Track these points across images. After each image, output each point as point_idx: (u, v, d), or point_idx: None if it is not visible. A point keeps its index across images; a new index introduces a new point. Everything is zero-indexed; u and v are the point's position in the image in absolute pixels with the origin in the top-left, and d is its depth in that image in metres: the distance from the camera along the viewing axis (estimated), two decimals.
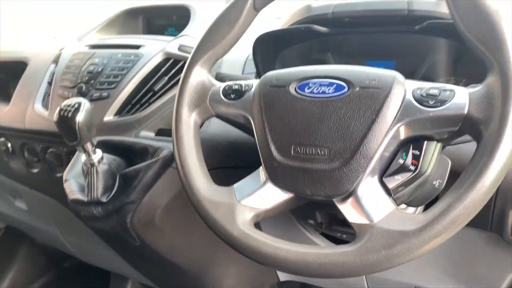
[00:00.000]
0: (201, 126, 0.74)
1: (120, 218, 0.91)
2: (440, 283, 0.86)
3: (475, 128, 0.52)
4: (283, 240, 0.59)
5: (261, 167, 0.65)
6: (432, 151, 0.60)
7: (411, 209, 0.74)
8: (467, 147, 0.69)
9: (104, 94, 1.03)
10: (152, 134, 0.99)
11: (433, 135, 0.58)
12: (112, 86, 1.03)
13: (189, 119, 0.71)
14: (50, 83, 1.18)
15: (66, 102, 0.79)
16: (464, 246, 0.80)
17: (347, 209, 0.58)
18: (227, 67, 1.07)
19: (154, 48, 1.06)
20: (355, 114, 0.58)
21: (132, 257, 1.23)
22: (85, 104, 0.79)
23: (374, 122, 0.56)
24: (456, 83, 0.90)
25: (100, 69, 1.07)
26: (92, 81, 1.06)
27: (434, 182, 0.62)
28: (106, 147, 0.93)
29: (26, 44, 1.51)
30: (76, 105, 0.78)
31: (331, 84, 0.61)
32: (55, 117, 0.79)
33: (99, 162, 0.85)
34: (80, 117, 0.77)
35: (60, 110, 0.78)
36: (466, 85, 0.88)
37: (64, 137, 0.80)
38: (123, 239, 0.99)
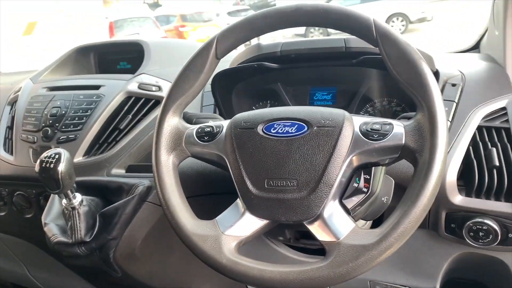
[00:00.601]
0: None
1: (103, 254, 0.97)
2: (391, 276, 1.00)
3: (412, 156, 0.66)
4: (266, 262, 0.70)
5: (238, 199, 0.75)
6: (379, 174, 0.74)
7: (362, 222, 0.87)
8: (403, 163, 0.83)
9: (71, 136, 1.07)
10: (122, 171, 1.06)
11: (379, 161, 0.71)
12: (79, 127, 1.08)
13: (168, 162, 0.79)
14: (10, 127, 1.20)
15: (46, 153, 0.84)
16: (409, 243, 0.95)
17: (316, 230, 0.69)
18: None
19: (114, 88, 1.13)
20: (316, 149, 0.69)
21: None
22: (65, 154, 0.84)
23: (332, 155, 0.68)
24: (389, 103, 1.06)
25: (63, 112, 1.11)
26: (57, 124, 1.10)
27: (383, 199, 0.76)
28: (82, 187, 0.98)
29: None
30: (57, 156, 0.83)
31: (293, 125, 0.72)
32: (36, 167, 0.84)
33: (79, 204, 0.91)
34: (62, 167, 0.83)
35: (41, 161, 0.83)
36: (397, 104, 1.05)
37: (46, 186, 0.85)
38: (104, 272, 1.04)
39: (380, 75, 1.02)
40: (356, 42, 0.97)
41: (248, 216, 0.73)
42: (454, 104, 0.92)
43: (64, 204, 0.91)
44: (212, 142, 0.78)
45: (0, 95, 1.34)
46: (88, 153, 1.08)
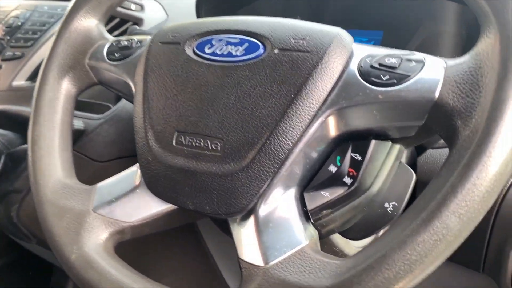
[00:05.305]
0: (78, 96, 0.53)
1: (4, 210, 0.72)
2: None
3: (449, 124, 0.31)
4: (139, 274, 0.39)
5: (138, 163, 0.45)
6: (383, 157, 0.38)
7: (355, 242, 0.50)
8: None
9: (18, 53, 0.84)
10: None
11: (386, 130, 0.36)
12: (28, 43, 0.84)
13: (58, 85, 0.51)
14: None
15: None
16: None
17: (240, 237, 0.37)
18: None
19: None
20: (267, 90, 0.37)
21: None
22: None
23: (293, 105, 0.35)
24: None
25: (19, 23, 0.88)
26: (8, 37, 0.87)
27: (386, 205, 0.39)
28: (4, 117, 0.74)
29: None
30: None
31: (241, 43, 0.40)
32: None
33: None
34: None
35: None
36: None
37: None
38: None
39: (451, 15, 0.64)
40: None
41: (143, 191, 0.43)
42: None
43: None
44: (123, 61, 0.49)
45: None
46: (32, 78, 0.83)
